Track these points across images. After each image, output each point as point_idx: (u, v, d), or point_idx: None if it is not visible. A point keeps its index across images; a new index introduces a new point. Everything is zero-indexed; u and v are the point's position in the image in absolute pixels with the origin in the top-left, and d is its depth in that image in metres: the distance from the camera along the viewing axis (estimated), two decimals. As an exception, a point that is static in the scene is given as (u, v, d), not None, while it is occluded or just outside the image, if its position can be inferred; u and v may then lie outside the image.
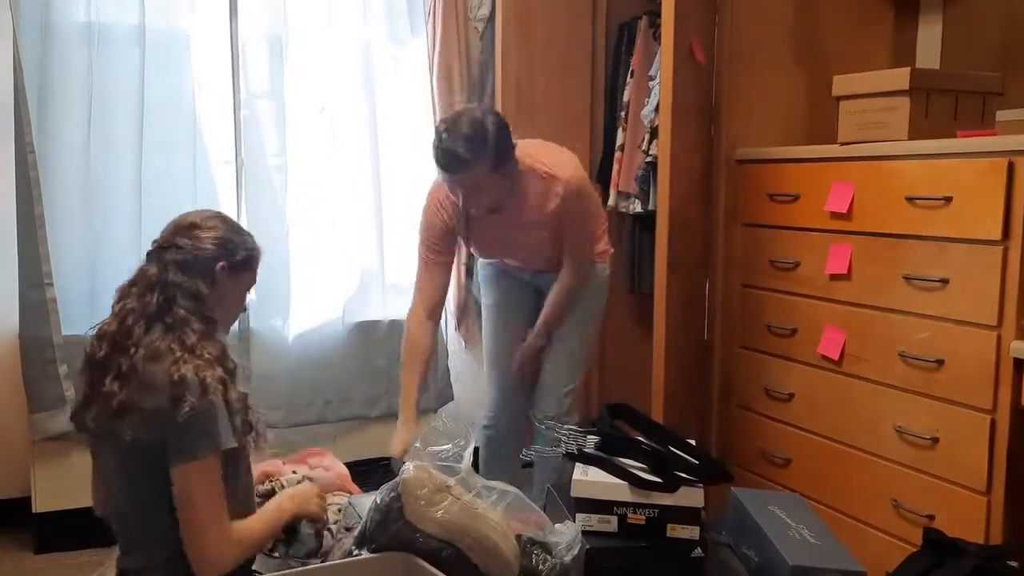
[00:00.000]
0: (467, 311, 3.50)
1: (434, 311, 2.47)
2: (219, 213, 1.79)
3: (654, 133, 2.92)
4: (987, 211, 1.89)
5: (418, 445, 1.70)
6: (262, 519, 1.67)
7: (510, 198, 2.33)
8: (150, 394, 1.53)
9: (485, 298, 2.76)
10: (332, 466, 2.38)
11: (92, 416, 1.59)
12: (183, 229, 1.72)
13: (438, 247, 2.46)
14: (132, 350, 1.57)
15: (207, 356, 1.58)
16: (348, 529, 1.85)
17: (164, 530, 1.55)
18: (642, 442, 1.80)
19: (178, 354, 1.55)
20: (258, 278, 1.82)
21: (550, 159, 2.38)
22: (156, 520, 1.56)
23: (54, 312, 2.77)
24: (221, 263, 1.70)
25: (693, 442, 1.88)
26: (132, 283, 1.67)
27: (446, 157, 2.18)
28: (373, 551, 1.57)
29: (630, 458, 1.76)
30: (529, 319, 2.65)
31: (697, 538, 1.69)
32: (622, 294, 3.38)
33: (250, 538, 1.61)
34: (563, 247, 2.47)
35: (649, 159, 2.97)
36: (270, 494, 1.86)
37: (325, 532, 1.84)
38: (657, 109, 2.98)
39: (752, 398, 2.60)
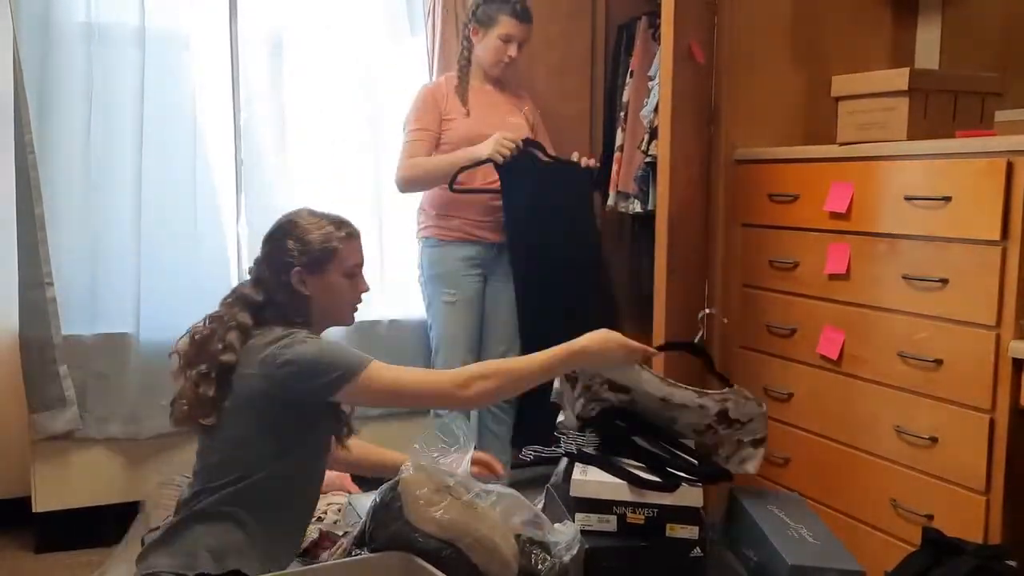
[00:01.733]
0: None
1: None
2: (301, 211, 1.83)
3: (653, 133, 2.91)
4: (986, 211, 1.90)
5: (417, 446, 1.70)
6: (534, 357, 1.73)
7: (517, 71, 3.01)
8: (255, 359, 1.66)
9: (446, 295, 2.95)
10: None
11: (184, 414, 1.71)
12: (264, 242, 1.82)
13: (429, 124, 2.90)
14: (220, 355, 1.69)
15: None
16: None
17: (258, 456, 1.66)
18: (640, 443, 1.80)
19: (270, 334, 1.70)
20: (362, 255, 1.85)
21: None
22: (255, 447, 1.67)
23: (54, 312, 2.77)
24: (295, 269, 1.75)
25: (691, 443, 1.88)
26: (229, 295, 1.80)
27: (525, 11, 2.91)
28: (373, 551, 1.57)
29: (630, 458, 1.76)
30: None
31: (696, 538, 1.70)
32: (622, 295, 3.39)
33: (512, 371, 1.71)
34: None
35: (648, 159, 2.97)
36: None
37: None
38: (656, 109, 2.98)
39: (751, 398, 2.60)
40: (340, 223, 1.82)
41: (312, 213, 1.82)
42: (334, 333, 3.16)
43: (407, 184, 2.93)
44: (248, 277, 1.83)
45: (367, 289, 1.87)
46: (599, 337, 1.75)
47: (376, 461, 2.05)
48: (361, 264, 1.85)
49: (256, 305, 1.76)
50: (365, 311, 3.35)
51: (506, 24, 2.87)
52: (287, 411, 1.67)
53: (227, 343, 1.69)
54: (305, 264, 1.75)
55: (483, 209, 2.93)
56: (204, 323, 1.76)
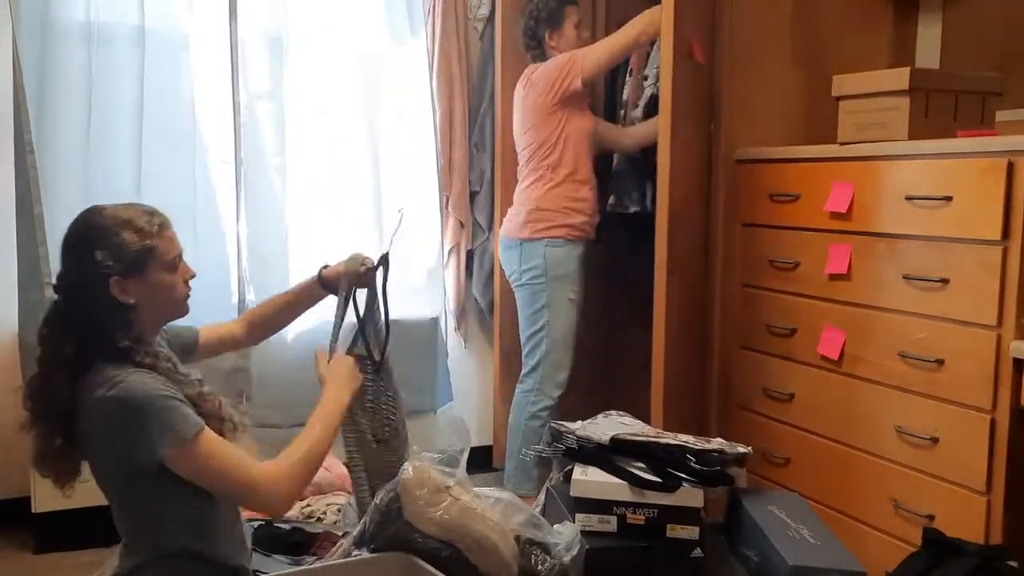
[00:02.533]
0: (467, 312, 3.50)
1: None
2: (95, 210, 1.63)
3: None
4: (987, 211, 1.89)
5: (416, 447, 1.70)
6: (312, 426, 1.64)
7: None
8: (91, 421, 1.53)
9: (572, 293, 2.95)
10: (332, 466, 2.39)
11: (54, 467, 1.67)
12: (65, 252, 1.61)
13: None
14: (54, 404, 1.58)
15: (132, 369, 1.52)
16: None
17: (153, 529, 1.57)
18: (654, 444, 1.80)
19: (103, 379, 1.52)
20: (179, 242, 1.67)
21: None
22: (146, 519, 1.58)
23: (54, 312, 2.77)
24: (113, 277, 1.55)
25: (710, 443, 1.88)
26: (43, 326, 1.59)
27: None
28: (372, 551, 1.57)
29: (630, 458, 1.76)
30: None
31: (697, 538, 1.70)
32: (622, 294, 3.39)
33: (302, 457, 1.58)
34: None
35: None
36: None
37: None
38: (645, 109, 2.99)
39: (752, 398, 2.60)
40: (149, 214, 1.63)
41: (116, 209, 1.62)
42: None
43: (608, 58, 2.89)
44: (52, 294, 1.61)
45: (193, 275, 1.70)
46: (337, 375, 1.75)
47: (274, 310, 1.99)
48: (181, 254, 1.67)
49: (76, 327, 1.55)
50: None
51: (573, 12, 2.97)
52: (139, 463, 1.51)
53: (56, 386, 1.55)
54: (122, 271, 1.55)
55: (594, 208, 3.01)
56: (36, 366, 1.59)
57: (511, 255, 3.02)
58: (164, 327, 1.77)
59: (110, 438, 1.52)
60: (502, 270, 3.18)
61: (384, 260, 1.90)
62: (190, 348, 1.89)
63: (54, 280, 1.61)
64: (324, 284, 1.95)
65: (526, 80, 2.99)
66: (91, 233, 1.59)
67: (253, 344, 2.10)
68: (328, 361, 1.80)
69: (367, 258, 1.92)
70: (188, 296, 1.69)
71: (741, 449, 1.87)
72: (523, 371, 3.04)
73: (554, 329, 2.96)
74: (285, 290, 2.05)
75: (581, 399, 3.33)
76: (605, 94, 3.34)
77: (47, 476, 1.65)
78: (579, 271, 2.97)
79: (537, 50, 3.01)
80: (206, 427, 1.52)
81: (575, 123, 2.94)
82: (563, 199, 2.93)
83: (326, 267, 1.96)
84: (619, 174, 3.18)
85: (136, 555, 1.58)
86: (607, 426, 1.91)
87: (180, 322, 1.78)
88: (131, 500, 1.58)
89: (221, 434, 1.57)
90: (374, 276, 1.91)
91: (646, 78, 3.05)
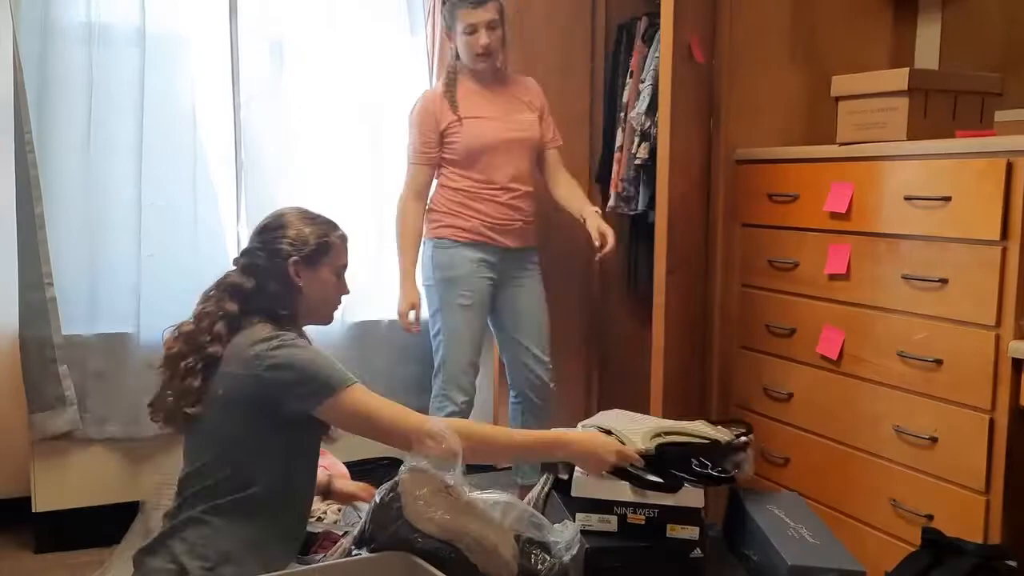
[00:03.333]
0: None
1: (422, 195, 2.90)
2: (295, 208, 1.86)
3: (644, 135, 2.93)
4: (986, 211, 1.90)
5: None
6: (523, 435, 1.81)
7: (501, 54, 2.88)
8: (241, 357, 1.67)
9: (462, 298, 2.85)
10: (332, 466, 2.39)
11: (169, 406, 1.72)
12: (257, 232, 1.83)
13: (430, 143, 2.85)
14: (208, 347, 1.69)
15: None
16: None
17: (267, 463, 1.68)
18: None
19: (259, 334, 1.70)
20: (348, 260, 1.88)
21: None
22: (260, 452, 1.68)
23: (54, 312, 2.77)
24: (293, 258, 1.77)
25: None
26: (213, 288, 1.80)
27: None
28: (373, 551, 1.57)
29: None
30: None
31: (697, 538, 1.70)
32: (621, 294, 3.39)
33: (480, 432, 1.73)
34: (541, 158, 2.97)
35: (637, 161, 2.98)
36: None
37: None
38: (647, 111, 2.99)
39: (751, 398, 2.60)
40: (334, 224, 1.86)
41: (305, 212, 1.85)
42: (334, 335, 3.18)
43: (397, 224, 2.90)
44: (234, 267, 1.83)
45: (348, 292, 1.90)
46: (594, 440, 1.75)
47: None
48: (347, 266, 1.88)
49: (245, 293, 1.76)
50: (365, 311, 3.37)
51: (464, 15, 2.77)
52: (273, 415, 1.66)
53: (214, 334, 1.71)
54: (302, 256, 1.77)
55: (499, 209, 2.86)
56: (192, 317, 1.78)
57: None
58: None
59: (271, 391, 1.64)
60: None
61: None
62: None
63: (238, 256, 1.82)
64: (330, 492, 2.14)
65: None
66: (284, 220, 1.81)
67: None
68: None
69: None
70: (338, 307, 1.89)
71: (742, 434, 1.86)
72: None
73: (446, 331, 2.87)
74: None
75: (581, 399, 3.33)
76: (604, 97, 3.34)
77: (159, 420, 1.75)
78: (473, 274, 2.83)
79: (451, 49, 2.93)
80: (358, 381, 1.68)
81: (449, 149, 2.84)
82: (454, 199, 2.84)
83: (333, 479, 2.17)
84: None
85: (194, 508, 1.66)
86: (618, 422, 1.89)
87: None
88: (238, 452, 1.67)
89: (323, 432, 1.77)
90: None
91: (643, 80, 3.04)
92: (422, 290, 2.92)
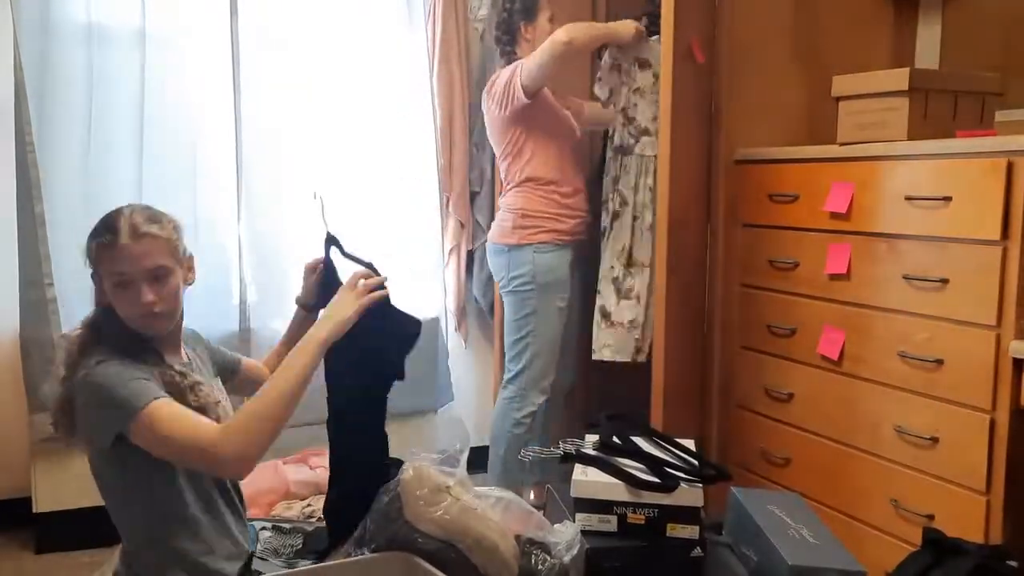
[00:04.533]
0: (467, 312, 3.51)
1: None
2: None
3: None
4: (986, 211, 1.90)
5: (415, 449, 1.70)
6: (277, 374, 1.54)
7: None
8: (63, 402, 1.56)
9: (560, 301, 2.91)
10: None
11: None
12: None
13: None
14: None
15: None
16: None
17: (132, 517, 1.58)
18: (642, 449, 1.80)
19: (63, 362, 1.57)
20: (133, 262, 1.58)
21: None
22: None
23: (54, 311, 2.77)
24: (93, 273, 1.62)
25: (691, 445, 1.88)
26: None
27: None
28: (373, 551, 1.57)
29: (630, 458, 1.76)
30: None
31: (696, 538, 1.70)
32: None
33: (258, 410, 1.49)
34: None
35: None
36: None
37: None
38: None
39: (752, 398, 2.60)
40: (104, 227, 1.59)
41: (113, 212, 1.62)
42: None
43: (576, 45, 2.75)
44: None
45: (151, 300, 1.57)
46: (335, 312, 1.62)
47: (282, 353, 1.87)
48: (130, 273, 1.56)
49: (93, 318, 1.62)
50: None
51: (547, 5, 2.93)
52: (101, 445, 1.53)
53: (65, 367, 1.58)
54: (94, 271, 1.62)
55: (583, 209, 2.98)
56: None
57: (499, 261, 2.97)
58: (203, 341, 1.81)
59: (87, 421, 1.54)
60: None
61: (330, 240, 1.84)
62: (230, 369, 1.89)
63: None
64: (305, 308, 1.90)
65: (489, 87, 2.95)
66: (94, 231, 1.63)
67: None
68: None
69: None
70: (150, 318, 1.59)
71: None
72: (505, 377, 2.99)
73: (540, 336, 2.91)
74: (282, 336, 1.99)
75: (581, 399, 3.33)
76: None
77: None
78: (568, 277, 2.93)
79: (510, 45, 2.95)
80: (165, 398, 1.50)
81: (543, 129, 2.88)
82: (548, 204, 2.89)
83: (297, 298, 1.92)
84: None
85: (128, 543, 1.61)
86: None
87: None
88: (103, 487, 1.60)
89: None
90: (328, 261, 1.84)
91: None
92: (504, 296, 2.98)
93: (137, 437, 1.48)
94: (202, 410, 1.58)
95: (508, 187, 2.98)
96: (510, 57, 2.94)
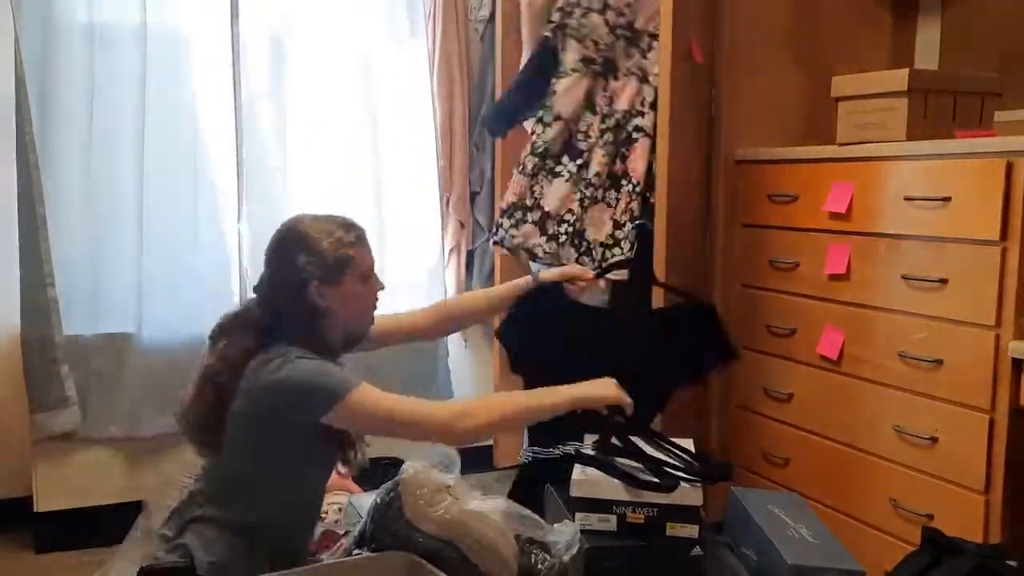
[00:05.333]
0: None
1: None
2: (303, 219, 1.72)
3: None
4: (986, 211, 1.90)
5: (415, 450, 1.70)
6: (521, 396, 1.75)
7: None
8: (249, 379, 1.62)
9: None
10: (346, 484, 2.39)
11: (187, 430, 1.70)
12: (269, 255, 1.73)
13: None
14: (227, 386, 1.65)
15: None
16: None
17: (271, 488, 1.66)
18: (641, 450, 1.81)
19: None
20: (372, 255, 1.76)
21: None
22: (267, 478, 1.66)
23: (56, 312, 2.77)
24: (313, 283, 1.66)
25: (689, 445, 1.88)
26: (233, 320, 1.72)
27: None
28: (373, 551, 1.58)
29: (629, 458, 1.77)
30: None
31: (696, 537, 1.70)
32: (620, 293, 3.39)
33: (494, 409, 1.67)
34: None
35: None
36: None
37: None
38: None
39: (752, 398, 2.60)
40: (348, 226, 1.72)
41: (316, 219, 1.72)
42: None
43: None
44: (252, 295, 1.75)
45: (383, 287, 1.79)
46: (600, 383, 1.75)
47: (472, 305, 2.10)
48: (373, 265, 1.76)
49: (264, 328, 1.68)
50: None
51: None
52: (278, 437, 1.62)
53: (228, 371, 1.65)
54: (321, 277, 1.66)
55: None
56: (217, 340, 1.71)
57: None
58: None
59: (278, 407, 1.60)
60: (502, 270, 3.18)
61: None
62: (367, 336, 1.92)
63: (254, 284, 1.73)
64: (533, 288, 2.06)
65: None
66: (295, 237, 1.68)
67: (435, 337, 2.19)
68: None
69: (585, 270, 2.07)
70: (376, 308, 1.79)
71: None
72: None
73: None
74: (486, 288, 2.11)
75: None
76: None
77: (196, 445, 1.70)
78: None
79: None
80: (366, 383, 1.61)
81: None
82: None
83: (540, 274, 2.10)
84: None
85: (211, 509, 1.66)
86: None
87: None
88: (250, 462, 1.65)
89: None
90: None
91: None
92: None
93: (345, 416, 1.59)
94: None
95: None
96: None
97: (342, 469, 1.80)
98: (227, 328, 1.71)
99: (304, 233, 1.68)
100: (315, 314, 1.67)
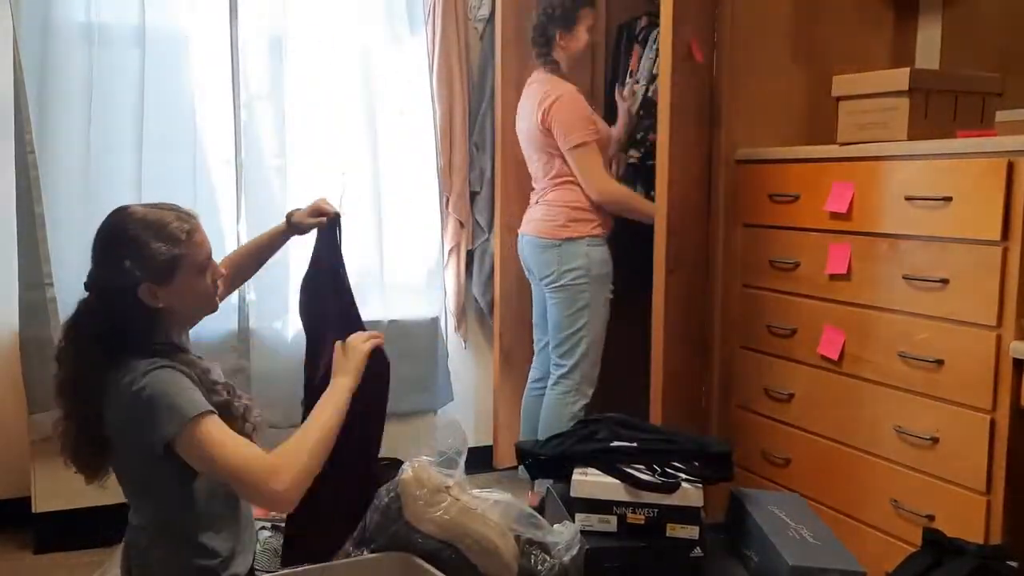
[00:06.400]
0: (467, 312, 3.50)
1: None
2: (130, 213, 1.59)
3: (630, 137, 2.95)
4: (986, 211, 1.90)
5: (415, 450, 1.70)
6: (317, 414, 1.59)
7: None
8: (113, 395, 1.54)
9: (609, 292, 2.98)
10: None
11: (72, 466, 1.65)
12: (96, 256, 1.59)
13: (599, 130, 2.98)
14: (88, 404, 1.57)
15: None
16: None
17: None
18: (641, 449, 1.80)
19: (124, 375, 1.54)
20: (208, 243, 1.64)
21: None
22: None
23: (54, 312, 2.77)
24: (143, 284, 1.56)
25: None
26: (71, 332, 1.61)
27: None
28: (372, 551, 1.57)
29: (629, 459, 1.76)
30: None
31: (696, 538, 1.70)
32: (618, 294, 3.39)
33: (306, 446, 1.52)
34: None
35: (631, 160, 2.99)
36: None
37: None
38: (639, 112, 2.99)
39: (752, 398, 2.60)
40: (177, 217, 1.59)
41: (140, 213, 1.58)
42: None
43: (615, 206, 2.95)
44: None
45: (223, 274, 1.71)
46: (349, 362, 1.71)
47: (253, 250, 2.07)
48: (210, 254, 1.65)
49: (102, 337, 1.57)
50: (365, 312, 3.36)
51: (588, 15, 2.95)
52: (141, 451, 1.53)
53: (89, 388, 1.56)
54: (152, 279, 1.56)
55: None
56: (60, 361, 1.60)
57: (547, 256, 2.96)
58: None
59: (131, 427, 1.52)
60: (502, 270, 3.18)
61: (336, 222, 2.01)
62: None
63: (86, 280, 1.62)
64: (293, 226, 2.04)
65: (538, 94, 2.93)
66: (120, 240, 1.57)
67: (231, 292, 2.10)
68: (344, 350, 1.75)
69: (330, 205, 2.03)
70: (217, 293, 1.70)
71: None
72: (558, 373, 3.00)
73: (593, 329, 2.95)
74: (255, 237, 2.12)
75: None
76: (605, 96, 3.34)
77: (81, 472, 1.64)
78: (612, 269, 2.99)
79: (545, 48, 2.96)
80: (214, 414, 1.50)
81: (600, 131, 2.99)
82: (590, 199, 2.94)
83: (295, 211, 2.06)
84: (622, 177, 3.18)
85: (147, 539, 1.64)
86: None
87: None
88: (144, 491, 1.63)
89: (242, 433, 1.56)
90: (330, 236, 2.01)
91: (637, 82, 3.06)
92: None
93: (182, 447, 1.48)
94: (248, 431, 1.61)
95: (550, 183, 2.98)
96: (546, 59, 2.97)
97: None
98: (71, 335, 1.62)
99: (131, 234, 1.56)
100: (152, 316, 1.58)
